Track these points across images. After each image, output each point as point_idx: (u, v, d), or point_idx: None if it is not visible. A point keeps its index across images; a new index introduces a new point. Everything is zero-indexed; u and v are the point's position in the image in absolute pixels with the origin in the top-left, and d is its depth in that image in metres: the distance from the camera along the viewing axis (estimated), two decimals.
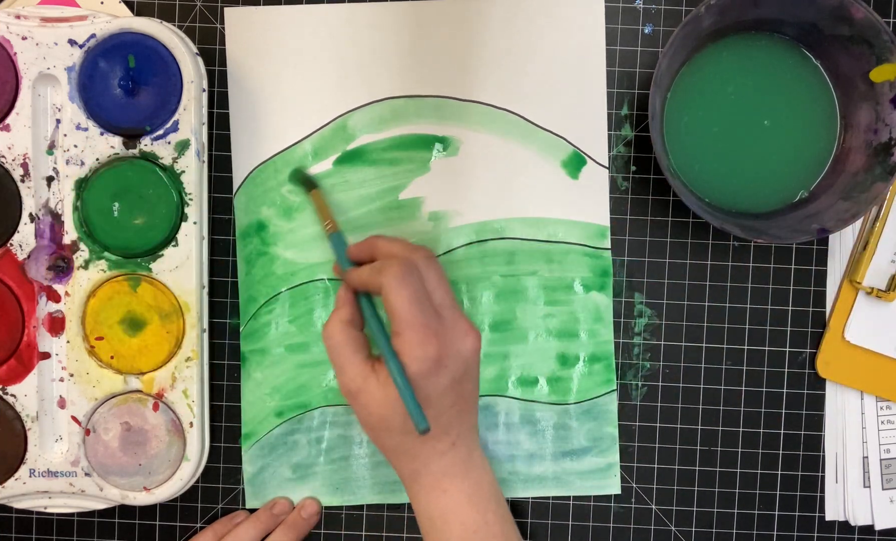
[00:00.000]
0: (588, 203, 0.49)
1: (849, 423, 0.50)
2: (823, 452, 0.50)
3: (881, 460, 0.50)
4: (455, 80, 0.48)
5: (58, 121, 0.44)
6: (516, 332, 0.49)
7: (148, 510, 0.50)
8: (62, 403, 0.46)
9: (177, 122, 0.44)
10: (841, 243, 0.49)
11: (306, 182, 0.48)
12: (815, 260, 0.49)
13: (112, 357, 0.45)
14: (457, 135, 0.48)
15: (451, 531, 0.41)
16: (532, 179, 0.48)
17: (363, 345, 0.42)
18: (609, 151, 0.49)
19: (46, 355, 0.46)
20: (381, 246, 0.42)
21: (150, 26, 0.44)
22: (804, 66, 0.47)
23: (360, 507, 0.50)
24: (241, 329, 0.49)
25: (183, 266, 0.45)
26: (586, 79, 0.48)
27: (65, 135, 0.44)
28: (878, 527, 0.50)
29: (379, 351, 0.41)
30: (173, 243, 0.45)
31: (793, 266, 0.49)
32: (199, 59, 0.45)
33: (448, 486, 0.41)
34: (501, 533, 0.42)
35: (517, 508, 0.50)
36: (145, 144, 0.44)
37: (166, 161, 0.44)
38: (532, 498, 0.50)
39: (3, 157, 0.44)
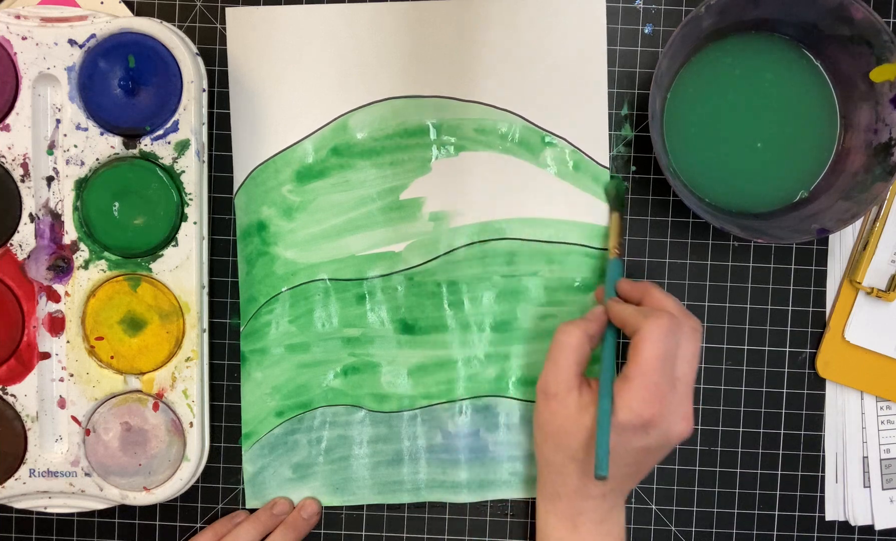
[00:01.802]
0: (589, 203, 0.49)
1: (849, 423, 0.50)
2: (823, 452, 0.50)
3: (881, 459, 0.50)
4: (455, 80, 0.48)
5: (58, 121, 0.44)
6: (517, 332, 0.49)
7: (148, 510, 0.50)
8: (62, 404, 0.46)
9: (177, 122, 0.44)
10: (841, 243, 0.49)
11: (616, 200, 0.47)
12: (815, 260, 0.49)
13: (112, 357, 0.45)
14: (457, 135, 0.48)
15: None
16: (532, 180, 0.48)
17: (585, 360, 0.42)
18: (609, 151, 0.49)
19: (46, 355, 0.45)
20: (655, 295, 0.42)
21: (150, 26, 0.44)
22: (804, 66, 0.47)
23: (360, 507, 0.50)
24: (241, 329, 0.49)
25: (183, 266, 0.45)
26: (587, 79, 0.48)
27: (65, 135, 0.44)
28: (878, 527, 0.50)
29: (596, 377, 0.41)
30: (173, 243, 0.45)
31: (793, 266, 0.49)
32: (199, 59, 0.45)
33: (581, 524, 0.41)
34: None
35: (518, 508, 0.50)
36: (145, 144, 0.44)
37: (166, 161, 0.44)
38: (532, 499, 0.50)
39: (3, 157, 0.44)
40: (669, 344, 0.39)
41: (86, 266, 0.45)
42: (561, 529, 0.42)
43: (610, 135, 0.49)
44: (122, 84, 0.44)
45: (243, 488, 0.50)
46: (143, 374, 0.46)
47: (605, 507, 0.42)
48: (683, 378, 0.40)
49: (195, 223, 0.45)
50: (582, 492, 0.41)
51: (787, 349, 0.50)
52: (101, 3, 0.47)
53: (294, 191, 0.48)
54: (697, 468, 0.50)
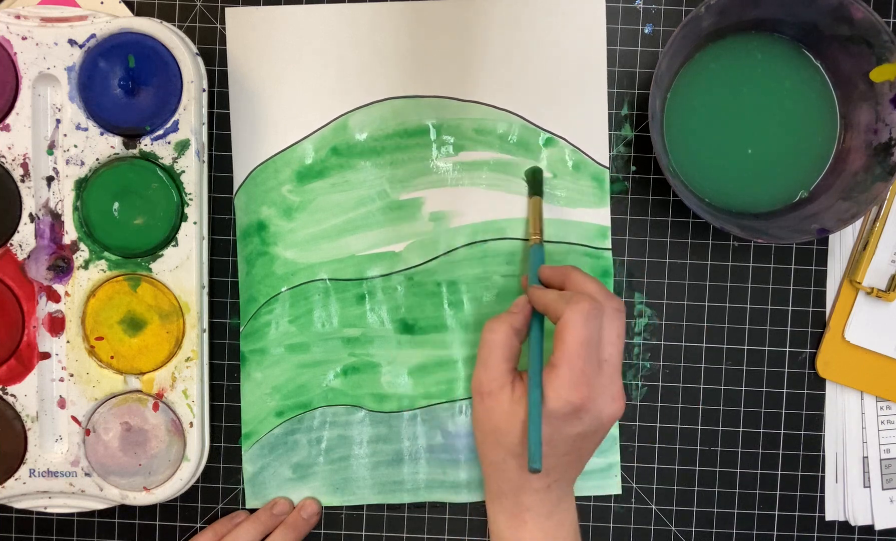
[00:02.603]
0: (588, 203, 0.49)
1: (849, 423, 0.50)
2: (823, 452, 0.50)
3: (881, 459, 0.50)
4: (455, 80, 0.48)
5: (58, 121, 0.44)
6: None
7: (148, 510, 0.50)
8: (62, 404, 0.46)
9: (177, 122, 0.44)
10: (841, 243, 0.49)
11: (535, 185, 0.47)
12: (815, 260, 0.49)
13: (112, 357, 0.45)
14: (457, 135, 0.48)
15: None
16: None
17: (515, 355, 0.41)
18: (609, 151, 0.49)
19: (46, 355, 0.45)
20: (575, 278, 0.41)
21: (150, 26, 0.44)
22: (804, 66, 0.47)
23: (360, 507, 0.50)
24: (241, 329, 0.49)
25: (183, 266, 0.45)
26: (586, 79, 0.48)
27: (65, 135, 0.44)
28: (878, 527, 0.50)
29: (527, 369, 0.41)
30: (173, 243, 0.45)
31: (793, 266, 0.49)
32: (199, 59, 0.45)
33: (529, 519, 0.41)
34: None
35: None
36: (145, 144, 0.44)
37: (166, 161, 0.44)
38: None
39: (3, 157, 0.44)
40: (592, 328, 0.38)
41: (86, 266, 0.45)
42: (509, 527, 0.41)
43: (610, 135, 0.49)
44: (122, 84, 0.44)
45: (243, 488, 0.50)
46: (143, 374, 0.46)
47: (550, 500, 0.41)
48: (610, 359, 0.39)
49: (195, 223, 0.45)
50: (524, 487, 0.41)
51: (787, 349, 0.50)
52: (101, 3, 0.47)
53: (294, 191, 0.48)
54: (697, 468, 0.50)
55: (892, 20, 0.49)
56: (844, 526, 0.50)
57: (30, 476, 0.46)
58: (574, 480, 0.43)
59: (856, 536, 0.50)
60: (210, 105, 0.48)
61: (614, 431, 0.49)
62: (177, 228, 0.45)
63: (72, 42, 0.44)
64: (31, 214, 0.45)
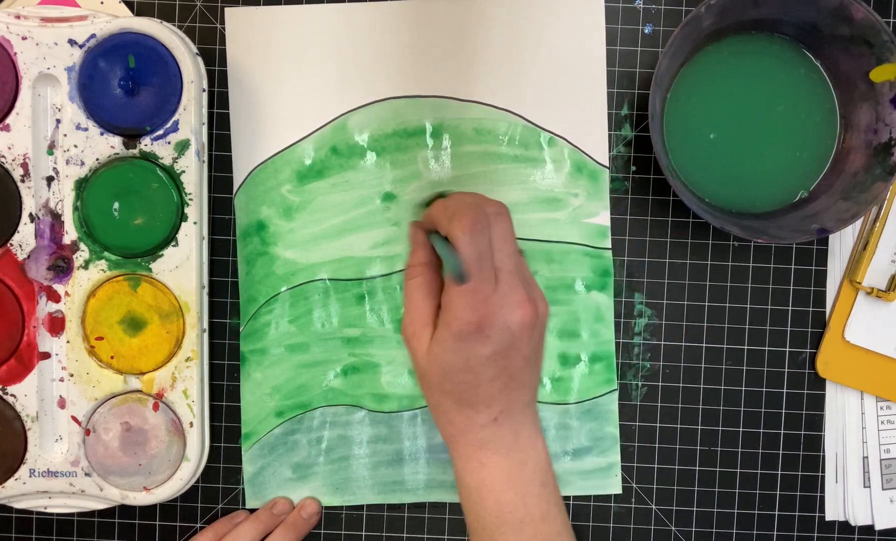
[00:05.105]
0: (588, 203, 0.49)
1: (849, 423, 0.50)
2: (823, 452, 0.50)
3: (881, 459, 0.50)
4: (455, 80, 0.48)
5: (58, 121, 0.44)
6: None
7: (148, 510, 0.50)
8: (62, 404, 0.46)
9: (177, 123, 0.44)
10: (841, 243, 0.49)
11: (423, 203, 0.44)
12: (815, 260, 0.49)
13: (112, 357, 0.45)
14: (457, 135, 0.48)
15: (485, 506, 0.39)
16: (532, 179, 0.48)
17: (437, 289, 0.39)
18: (609, 151, 0.49)
19: (46, 355, 0.45)
20: (452, 196, 0.40)
21: (150, 26, 0.44)
22: (804, 66, 0.47)
23: (360, 507, 0.50)
24: (241, 329, 0.49)
25: (183, 266, 0.45)
26: (586, 79, 0.48)
27: (65, 135, 0.44)
28: (878, 527, 0.50)
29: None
30: (173, 243, 0.45)
31: (793, 266, 0.49)
32: (199, 59, 0.45)
33: (486, 460, 0.39)
34: (541, 517, 0.39)
35: None
36: (145, 144, 0.44)
37: (166, 161, 0.44)
38: None
39: (3, 157, 0.44)
40: (480, 242, 0.37)
41: (86, 266, 0.45)
42: (468, 470, 0.39)
43: (610, 135, 0.49)
44: (122, 84, 0.44)
45: (243, 488, 0.50)
46: (143, 374, 0.46)
47: (502, 434, 0.38)
48: (503, 266, 0.37)
49: (195, 223, 0.45)
50: (468, 425, 0.38)
51: (787, 349, 0.50)
52: (101, 3, 0.47)
53: (294, 191, 0.48)
54: (697, 468, 0.50)
55: (892, 20, 0.49)
56: (844, 526, 0.50)
57: (30, 476, 0.46)
58: (527, 405, 0.40)
59: (856, 536, 0.50)
60: (210, 105, 0.48)
61: (615, 430, 0.49)
62: (177, 228, 0.45)
63: (72, 42, 0.44)
64: (31, 214, 0.45)
